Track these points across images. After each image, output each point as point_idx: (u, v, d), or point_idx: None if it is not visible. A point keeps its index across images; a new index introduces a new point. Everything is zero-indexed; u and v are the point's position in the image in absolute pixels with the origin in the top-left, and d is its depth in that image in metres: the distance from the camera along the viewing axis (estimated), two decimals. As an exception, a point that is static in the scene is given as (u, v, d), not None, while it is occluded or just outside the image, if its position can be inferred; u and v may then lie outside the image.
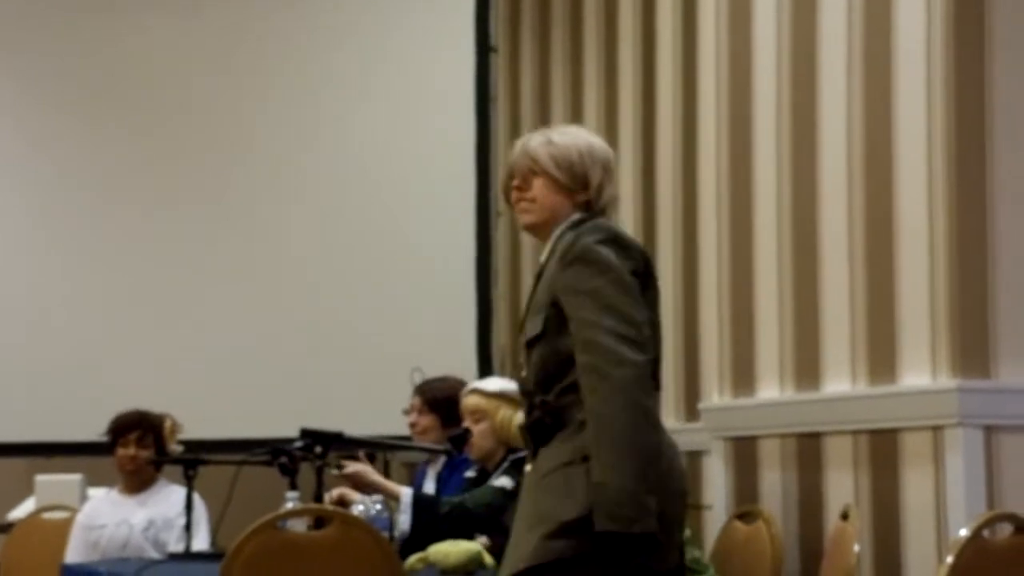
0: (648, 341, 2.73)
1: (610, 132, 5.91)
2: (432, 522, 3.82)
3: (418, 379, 4.76)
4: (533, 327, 2.82)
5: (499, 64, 6.67)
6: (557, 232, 2.88)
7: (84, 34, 6.52)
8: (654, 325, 2.84)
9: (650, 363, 2.72)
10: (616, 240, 2.78)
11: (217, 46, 6.55)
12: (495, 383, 4.18)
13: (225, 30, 6.57)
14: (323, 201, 6.49)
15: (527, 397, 2.85)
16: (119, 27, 6.51)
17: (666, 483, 2.70)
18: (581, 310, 2.71)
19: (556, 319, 2.76)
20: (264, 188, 6.48)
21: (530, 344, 2.83)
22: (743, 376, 4.44)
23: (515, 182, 2.94)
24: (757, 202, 4.44)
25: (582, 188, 2.90)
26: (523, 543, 2.70)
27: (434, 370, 4.77)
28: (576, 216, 2.88)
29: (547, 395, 2.78)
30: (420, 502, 3.96)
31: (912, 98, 3.85)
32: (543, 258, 2.91)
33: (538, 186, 2.90)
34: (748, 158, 4.48)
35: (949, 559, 3.29)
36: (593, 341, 2.66)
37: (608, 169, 2.94)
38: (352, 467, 4.12)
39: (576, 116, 6.07)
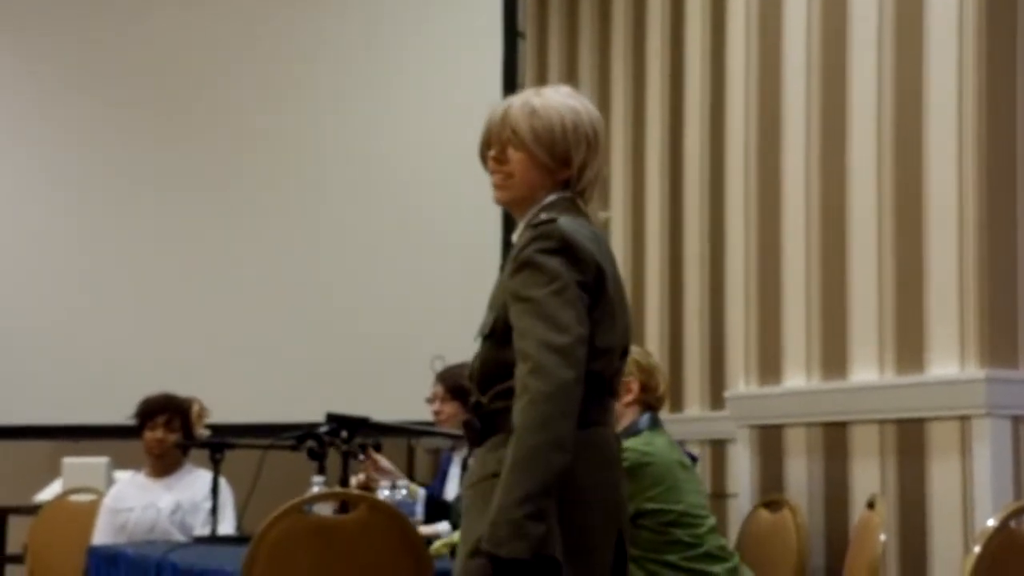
0: (582, 357, 2.52)
1: (637, 118, 5.90)
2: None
3: (439, 367, 4.75)
4: (486, 322, 2.67)
5: (527, 50, 6.67)
6: (531, 213, 2.70)
7: (105, 21, 6.54)
8: (608, 337, 2.64)
9: (580, 381, 2.51)
10: (568, 250, 2.57)
11: (242, 31, 6.56)
12: None
13: (251, 16, 6.58)
14: (349, 188, 6.49)
15: (469, 392, 2.70)
16: (142, 15, 6.54)
17: (582, 513, 2.57)
18: (521, 318, 2.54)
19: (505, 322, 2.60)
20: (290, 175, 6.49)
21: (481, 336, 2.69)
22: (769, 364, 4.43)
23: (492, 152, 2.73)
24: (785, 189, 4.42)
25: (563, 166, 2.69)
26: (456, 563, 2.63)
27: (459, 358, 4.76)
28: (553, 197, 2.69)
29: (482, 396, 2.63)
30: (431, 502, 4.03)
31: (943, 87, 3.83)
32: (515, 239, 2.74)
33: (516, 161, 2.69)
34: (777, 144, 4.46)
35: (976, 549, 3.27)
36: (525, 352, 2.51)
37: (592, 144, 2.70)
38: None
39: (604, 102, 6.06)
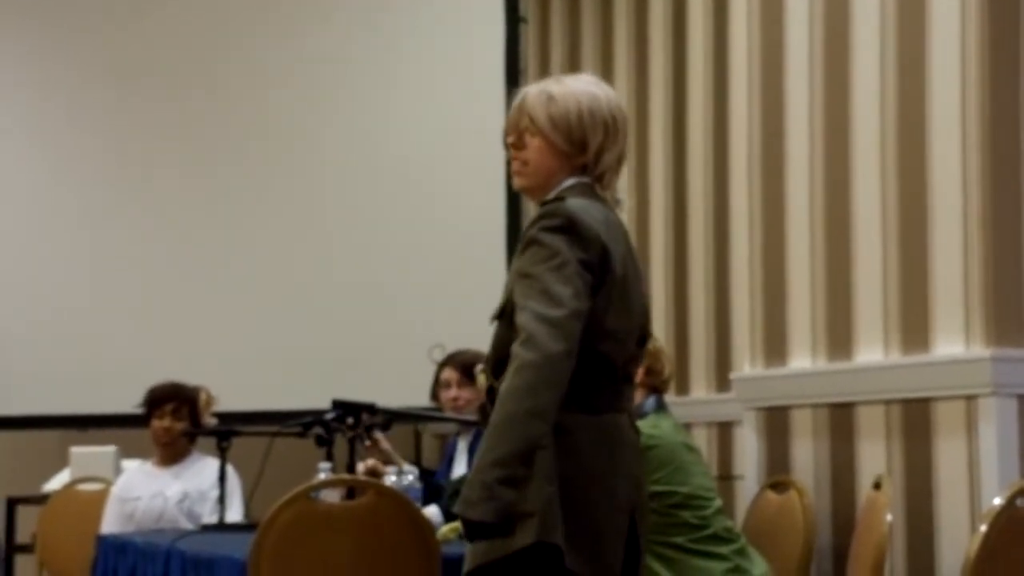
0: (575, 332, 2.53)
1: (640, 102, 5.90)
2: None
3: (438, 356, 4.71)
4: (499, 305, 2.69)
5: (529, 35, 6.66)
6: (548, 198, 2.71)
7: (111, 14, 6.55)
8: (614, 318, 2.65)
9: (571, 355, 2.52)
10: (571, 228, 2.58)
11: (244, 20, 6.56)
12: None
13: (253, 5, 6.59)
14: (351, 177, 6.49)
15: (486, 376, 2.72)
16: (148, 7, 6.55)
17: (588, 498, 2.59)
18: (521, 294, 2.57)
19: (513, 302, 2.62)
20: (292, 164, 6.49)
21: (495, 319, 2.71)
22: (775, 346, 4.43)
23: (510, 139, 2.74)
24: (789, 170, 4.42)
25: (579, 152, 2.70)
26: (468, 546, 2.64)
27: (458, 346, 4.73)
28: (570, 182, 2.71)
29: (496, 379, 2.62)
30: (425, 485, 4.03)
31: (946, 65, 3.83)
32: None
33: (533, 147, 2.71)
34: (780, 127, 4.45)
35: (982, 528, 3.28)
36: (521, 325, 2.53)
37: (610, 130, 2.72)
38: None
39: (606, 86, 6.04)
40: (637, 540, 2.72)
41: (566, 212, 2.61)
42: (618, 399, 2.70)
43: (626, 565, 2.67)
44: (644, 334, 2.76)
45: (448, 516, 3.80)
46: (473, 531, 2.51)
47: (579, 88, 2.75)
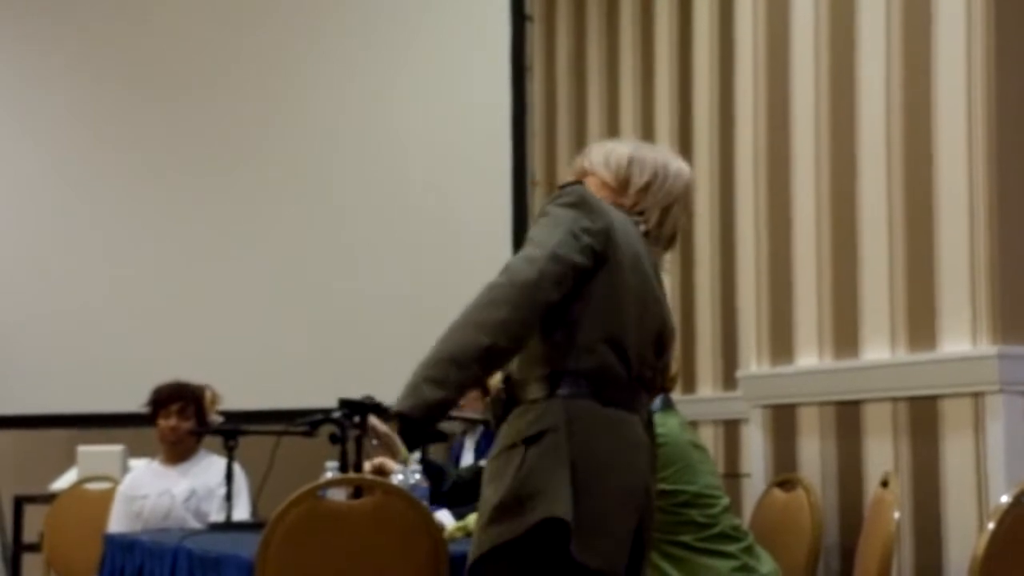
0: (552, 271, 2.59)
1: (646, 100, 5.90)
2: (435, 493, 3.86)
3: None
4: None
5: (535, 33, 6.66)
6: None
7: (114, 11, 6.55)
8: (626, 303, 2.70)
9: (540, 286, 2.58)
10: (582, 204, 2.70)
11: (249, 13, 6.56)
12: None
13: (262, 3, 6.59)
14: (355, 175, 6.49)
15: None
16: (150, 5, 6.55)
17: (597, 492, 2.61)
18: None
19: None
20: (296, 163, 6.49)
21: None
22: (782, 344, 4.43)
23: (570, 179, 2.93)
24: (795, 167, 4.41)
25: (623, 190, 2.90)
26: (474, 536, 2.68)
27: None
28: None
29: (512, 367, 2.71)
30: (428, 469, 4.00)
31: (952, 61, 3.82)
32: None
33: (588, 185, 2.87)
34: (786, 124, 4.45)
35: (990, 526, 3.27)
36: None
37: (659, 175, 2.90)
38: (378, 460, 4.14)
39: (612, 84, 6.06)
40: (643, 544, 2.72)
41: (579, 191, 2.74)
42: (631, 399, 2.71)
43: (629, 568, 2.67)
44: (663, 345, 2.78)
45: (451, 503, 3.81)
46: (400, 425, 2.58)
47: (638, 143, 3.01)
